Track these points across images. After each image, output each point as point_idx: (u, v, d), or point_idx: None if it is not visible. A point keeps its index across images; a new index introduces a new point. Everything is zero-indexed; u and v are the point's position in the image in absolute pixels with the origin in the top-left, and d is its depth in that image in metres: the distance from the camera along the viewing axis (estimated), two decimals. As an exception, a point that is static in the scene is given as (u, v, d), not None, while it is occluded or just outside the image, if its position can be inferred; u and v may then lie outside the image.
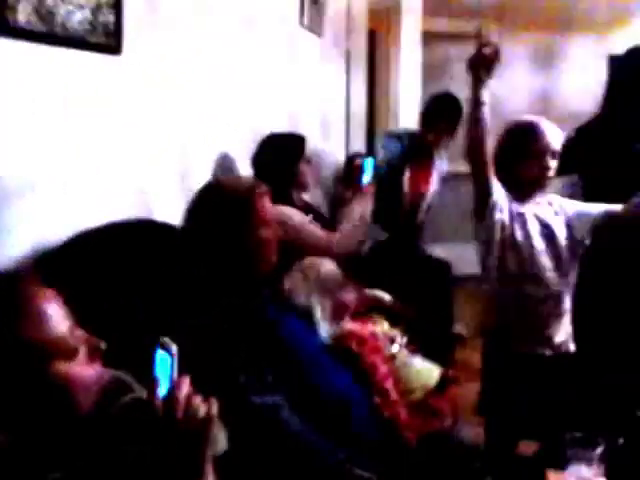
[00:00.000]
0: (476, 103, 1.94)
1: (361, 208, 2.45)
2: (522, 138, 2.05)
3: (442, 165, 3.64)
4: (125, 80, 1.85)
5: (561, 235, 2.04)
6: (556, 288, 2.04)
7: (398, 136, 3.60)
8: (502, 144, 2.10)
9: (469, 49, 5.70)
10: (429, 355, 2.13)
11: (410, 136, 3.55)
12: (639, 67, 2.40)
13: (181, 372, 0.94)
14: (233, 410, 1.18)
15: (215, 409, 0.93)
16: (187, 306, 1.55)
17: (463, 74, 5.70)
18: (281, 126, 2.96)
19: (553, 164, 2.03)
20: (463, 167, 5.24)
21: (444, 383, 2.03)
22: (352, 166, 3.00)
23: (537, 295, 2.04)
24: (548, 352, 2.05)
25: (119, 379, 1.07)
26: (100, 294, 1.46)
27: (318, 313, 2.00)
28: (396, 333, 2.11)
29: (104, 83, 1.76)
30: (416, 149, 3.42)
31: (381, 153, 3.51)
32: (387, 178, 3.23)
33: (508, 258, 2.02)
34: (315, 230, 2.43)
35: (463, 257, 4.70)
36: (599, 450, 1.37)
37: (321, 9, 3.60)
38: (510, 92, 5.10)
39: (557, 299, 2.05)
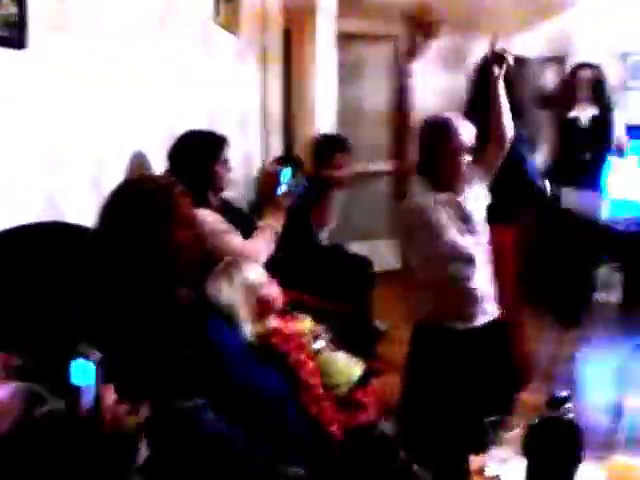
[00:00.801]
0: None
1: (274, 221, 2.40)
2: (437, 137, 2.14)
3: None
4: (31, 76, 1.76)
5: (481, 220, 2.18)
6: (477, 267, 2.16)
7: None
8: (420, 141, 2.18)
9: (383, 50, 5.81)
10: (352, 350, 2.16)
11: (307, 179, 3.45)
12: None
13: (106, 379, 0.91)
14: (156, 414, 1.15)
15: (143, 417, 0.90)
16: (106, 310, 1.50)
17: (377, 74, 5.82)
18: (199, 125, 2.92)
19: (468, 159, 2.13)
20: (379, 166, 5.43)
21: (367, 377, 2.07)
22: (268, 174, 2.92)
23: (465, 274, 2.14)
24: (467, 325, 2.16)
25: (31, 391, 1.02)
26: (13, 299, 1.39)
27: (242, 312, 1.99)
28: (320, 329, 2.13)
29: (7, 79, 1.67)
30: (315, 189, 3.38)
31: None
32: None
33: (433, 243, 2.11)
34: (228, 238, 2.36)
35: (380, 254, 4.83)
36: (516, 431, 1.44)
37: (236, 7, 3.57)
38: (423, 90, 5.26)
39: (478, 276, 2.17)
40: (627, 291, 4.18)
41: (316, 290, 2.77)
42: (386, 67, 5.32)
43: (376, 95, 5.33)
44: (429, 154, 2.15)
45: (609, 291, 4.08)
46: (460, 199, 2.18)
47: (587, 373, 3.48)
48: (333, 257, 3.60)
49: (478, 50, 5.10)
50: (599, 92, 3.83)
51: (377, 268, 3.86)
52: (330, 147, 3.68)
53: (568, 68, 3.88)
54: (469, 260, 2.12)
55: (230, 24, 3.53)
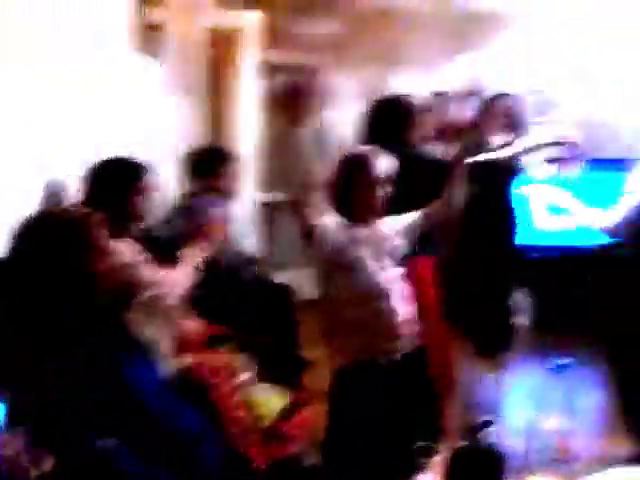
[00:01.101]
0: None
1: (196, 252, 2.36)
2: (354, 170, 2.15)
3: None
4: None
5: (395, 250, 2.18)
6: (392, 300, 2.14)
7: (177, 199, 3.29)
8: (338, 174, 2.18)
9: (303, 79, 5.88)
10: (278, 381, 2.13)
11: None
12: (387, 114, 2.65)
13: (14, 424, 0.85)
14: (70, 456, 1.09)
15: (48, 466, 0.85)
16: (16, 347, 1.42)
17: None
18: (120, 153, 2.85)
19: (384, 191, 2.15)
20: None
21: (294, 408, 2.05)
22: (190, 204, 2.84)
23: (385, 309, 2.11)
24: (387, 359, 2.13)
25: None
26: None
27: (162, 346, 1.94)
28: (243, 362, 2.10)
29: None
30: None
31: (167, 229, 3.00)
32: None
33: (347, 280, 2.10)
34: (147, 270, 2.28)
35: (305, 282, 4.83)
36: (440, 457, 1.46)
37: (160, 33, 3.54)
38: (344, 122, 5.36)
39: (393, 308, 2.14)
40: (538, 315, 4.38)
41: (238, 322, 2.72)
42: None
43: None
44: (346, 186, 2.14)
45: (522, 315, 4.24)
46: (376, 232, 2.18)
47: (505, 397, 3.60)
48: (255, 287, 3.56)
49: (398, 84, 5.31)
50: (516, 122, 3.98)
51: (301, 297, 3.86)
52: (213, 157, 3.35)
53: (484, 101, 4.04)
54: (388, 295, 2.11)
55: (154, 52, 3.49)
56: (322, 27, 5.20)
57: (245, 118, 4.22)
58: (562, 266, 4.60)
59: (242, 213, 4.15)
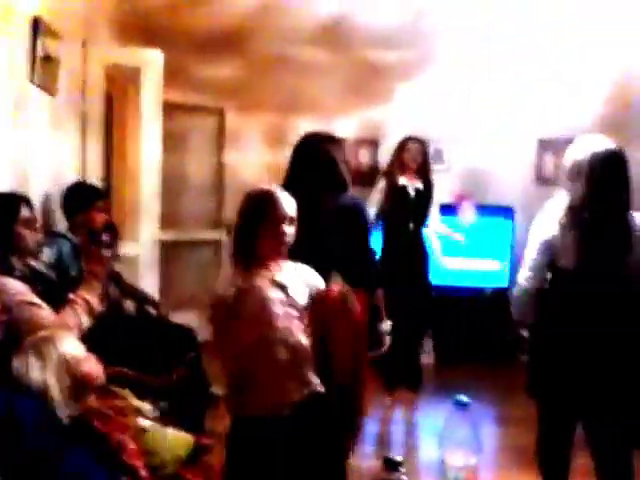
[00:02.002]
0: None
1: (87, 293, 2.28)
2: (260, 206, 2.06)
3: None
4: None
5: (299, 297, 2.06)
6: (294, 351, 2.02)
7: (62, 235, 3.18)
8: (242, 214, 2.09)
9: (208, 121, 5.87)
10: (183, 425, 2.04)
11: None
12: (310, 152, 2.66)
13: None
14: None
15: None
16: None
17: (201, 145, 5.84)
18: (4, 186, 2.69)
19: (290, 230, 2.06)
20: (203, 235, 5.38)
21: (197, 453, 1.96)
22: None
23: (286, 357, 2.01)
24: (285, 412, 2.01)
25: None
26: None
27: (56, 392, 1.80)
28: (144, 405, 1.99)
29: None
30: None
31: (48, 253, 2.93)
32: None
33: (239, 328, 2.00)
34: (35, 310, 2.15)
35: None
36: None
37: (54, 66, 3.41)
38: (246, 165, 5.38)
39: (294, 359, 2.03)
40: (438, 353, 4.53)
41: (140, 364, 2.61)
42: (210, 138, 5.39)
43: (200, 165, 5.35)
44: (251, 223, 2.03)
45: (427, 354, 4.37)
46: (277, 277, 2.05)
47: (415, 434, 3.66)
48: (157, 328, 3.44)
49: (298, 129, 5.43)
50: (425, 166, 4.14)
51: (204, 337, 3.77)
52: (87, 194, 3.30)
53: (396, 146, 4.13)
54: (287, 344, 1.99)
55: (47, 84, 3.35)
56: (224, 69, 5.25)
57: (146, 156, 4.12)
58: (459, 305, 4.81)
59: (142, 252, 4.03)
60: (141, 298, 3.64)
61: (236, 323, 1.98)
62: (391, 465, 1.45)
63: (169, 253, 4.65)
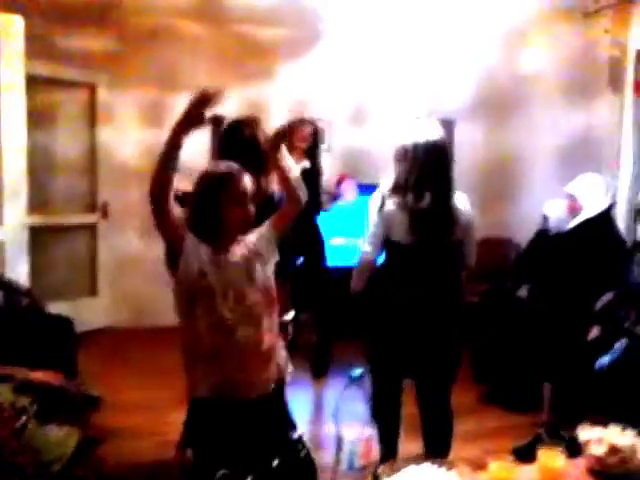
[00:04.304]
0: (175, 146, 1.84)
1: None
2: (224, 185, 1.97)
3: None
4: None
5: (261, 273, 2.01)
6: (257, 328, 1.98)
7: None
8: (200, 193, 1.98)
9: (76, 96, 5.49)
10: (65, 421, 1.90)
11: None
12: (238, 136, 2.64)
13: None
14: None
15: None
16: None
17: (72, 122, 5.47)
18: None
19: (252, 207, 2.02)
20: (77, 219, 5.06)
21: (85, 448, 1.84)
22: None
23: (250, 336, 1.95)
24: (249, 394, 1.95)
25: None
26: None
27: None
28: (24, 402, 1.83)
29: None
30: None
31: None
32: None
33: (214, 306, 1.92)
34: None
35: (82, 313, 4.46)
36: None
37: None
38: (121, 144, 5.11)
39: (257, 338, 1.98)
40: (320, 332, 4.57)
41: (14, 357, 2.40)
42: (81, 115, 5.04)
43: (71, 144, 4.99)
44: (214, 203, 1.95)
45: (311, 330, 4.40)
46: (243, 252, 2.01)
47: (308, 409, 3.68)
48: (30, 320, 3.19)
49: (176, 105, 5.22)
50: (314, 145, 4.12)
51: (80, 328, 3.55)
52: None
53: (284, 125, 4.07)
54: (254, 322, 1.94)
55: None
56: (94, 42, 4.92)
57: (8, 133, 3.77)
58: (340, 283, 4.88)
59: (8, 238, 3.70)
60: (9, 287, 3.37)
61: (203, 301, 1.91)
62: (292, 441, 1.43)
63: (39, 239, 4.31)
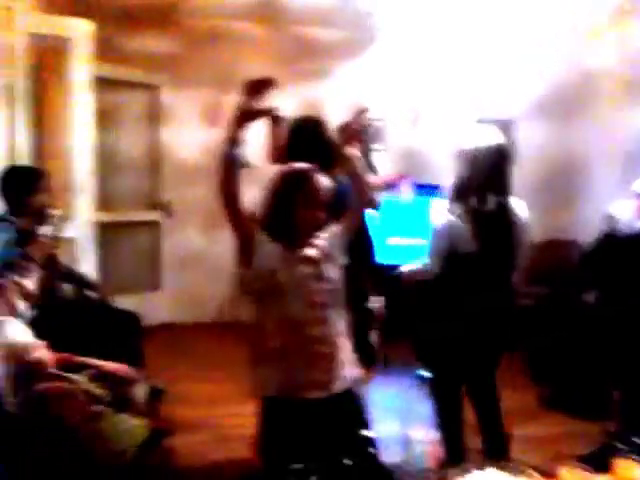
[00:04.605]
0: (234, 143, 1.85)
1: (20, 278, 2.21)
2: (301, 185, 1.96)
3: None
4: None
5: (333, 272, 2.01)
6: (328, 327, 1.96)
7: (4, 219, 2.97)
8: (276, 192, 1.99)
9: (139, 96, 5.64)
10: (135, 411, 1.96)
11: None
12: (314, 135, 2.65)
13: None
14: None
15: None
16: None
17: (135, 122, 5.62)
18: None
19: (325, 208, 2.01)
20: (140, 216, 5.20)
21: (156, 439, 1.89)
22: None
23: (320, 335, 1.94)
24: (318, 394, 1.93)
25: None
26: None
27: (2, 382, 1.69)
28: (100, 391, 1.90)
29: None
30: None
31: None
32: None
33: (284, 304, 1.91)
34: None
35: (149, 306, 4.58)
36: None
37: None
38: (183, 143, 5.22)
39: (328, 337, 1.96)
40: (388, 329, 4.56)
41: (85, 349, 2.49)
42: (144, 115, 5.18)
43: (135, 143, 5.14)
44: (284, 204, 1.95)
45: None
46: (312, 254, 1.98)
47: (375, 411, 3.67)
48: (99, 313, 3.30)
49: (233, 105, 5.29)
50: (367, 142, 4.12)
51: (144, 322, 3.65)
52: (29, 177, 3.14)
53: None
54: (323, 321, 1.92)
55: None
56: (158, 44, 5.05)
57: (78, 133, 3.91)
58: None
59: (78, 234, 3.84)
60: (80, 282, 3.49)
61: (274, 300, 1.91)
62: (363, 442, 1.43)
63: (106, 235, 4.46)
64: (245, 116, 1.88)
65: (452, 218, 2.43)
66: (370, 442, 1.50)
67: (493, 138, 2.50)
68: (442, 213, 2.47)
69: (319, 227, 1.98)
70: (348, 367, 2.00)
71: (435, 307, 2.56)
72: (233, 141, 1.85)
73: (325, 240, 2.02)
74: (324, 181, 1.98)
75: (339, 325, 1.97)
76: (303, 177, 1.95)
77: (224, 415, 3.30)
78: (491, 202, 2.43)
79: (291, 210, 1.93)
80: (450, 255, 2.49)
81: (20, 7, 3.83)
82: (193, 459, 2.68)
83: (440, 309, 2.53)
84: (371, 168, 4.20)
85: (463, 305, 2.45)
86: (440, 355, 2.54)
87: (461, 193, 2.45)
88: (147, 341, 3.59)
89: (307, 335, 1.89)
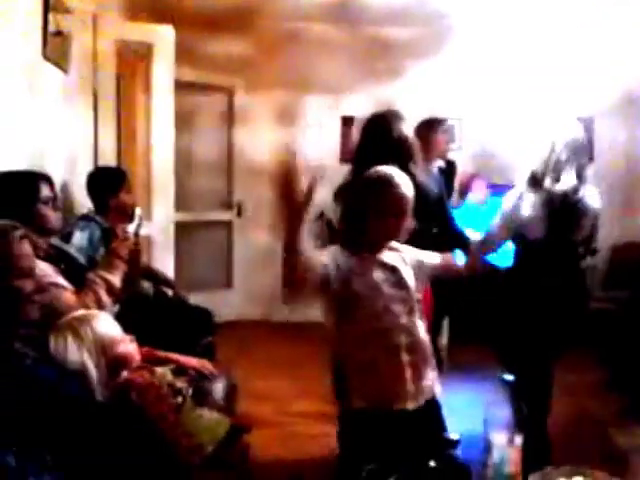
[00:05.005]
0: (290, 250, 1.72)
1: (107, 273, 2.28)
2: (382, 192, 1.89)
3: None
4: None
5: (409, 280, 1.95)
6: (411, 335, 1.91)
7: (93, 219, 3.11)
8: (357, 199, 1.93)
9: (216, 100, 5.77)
10: (214, 406, 2.01)
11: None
12: (382, 131, 2.62)
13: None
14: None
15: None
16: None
17: (210, 124, 5.74)
18: (20, 164, 2.63)
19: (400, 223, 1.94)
20: (215, 216, 5.32)
21: (235, 435, 1.93)
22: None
23: (406, 343, 1.89)
24: (406, 405, 1.87)
25: None
26: None
27: (93, 373, 1.77)
28: (181, 384, 1.96)
29: None
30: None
31: (79, 237, 2.93)
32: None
33: (354, 315, 1.86)
34: (58, 291, 2.12)
35: (221, 304, 4.69)
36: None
37: (66, 42, 3.32)
38: (255, 145, 5.31)
39: (413, 345, 1.90)
40: (452, 334, 4.48)
41: (162, 344, 2.57)
42: (219, 117, 5.31)
43: (210, 145, 5.28)
44: (365, 212, 1.88)
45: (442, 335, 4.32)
46: (385, 259, 1.93)
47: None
48: (175, 310, 3.40)
49: (308, 107, 5.36)
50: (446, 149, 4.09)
51: (217, 319, 3.74)
52: (114, 178, 3.28)
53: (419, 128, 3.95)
54: (403, 328, 1.87)
55: (59, 60, 3.27)
56: (233, 47, 5.16)
57: (158, 135, 4.05)
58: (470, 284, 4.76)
59: (157, 233, 3.97)
60: (158, 279, 3.61)
61: (350, 308, 1.85)
62: (446, 444, 1.42)
63: (181, 234, 4.59)
64: (295, 215, 1.73)
65: (523, 203, 2.51)
66: (453, 444, 1.48)
67: (572, 128, 2.58)
68: (513, 199, 2.55)
69: (403, 234, 1.92)
70: (432, 375, 1.94)
71: (509, 302, 2.60)
72: (292, 251, 1.73)
73: (410, 255, 1.97)
74: (406, 186, 1.90)
75: (422, 333, 1.92)
76: (386, 184, 1.89)
77: (286, 412, 3.33)
78: (565, 184, 2.48)
79: (369, 218, 1.87)
80: (518, 241, 2.56)
81: (106, 14, 4.01)
82: (267, 456, 2.72)
83: (514, 302, 2.56)
84: (453, 167, 4.14)
85: (534, 291, 2.50)
86: (522, 353, 2.53)
87: (537, 179, 2.52)
88: (219, 337, 3.67)
89: (394, 344, 1.84)
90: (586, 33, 4.97)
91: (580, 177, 2.53)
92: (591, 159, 2.74)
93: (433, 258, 2.04)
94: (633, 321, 3.81)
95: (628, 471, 2.52)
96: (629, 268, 4.39)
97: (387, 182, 1.89)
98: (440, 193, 2.77)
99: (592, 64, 5.02)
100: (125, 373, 1.86)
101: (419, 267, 1.97)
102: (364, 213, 1.88)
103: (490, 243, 2.62)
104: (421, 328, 1.93)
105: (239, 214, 5.29)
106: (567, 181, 2.49)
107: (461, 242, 2.71)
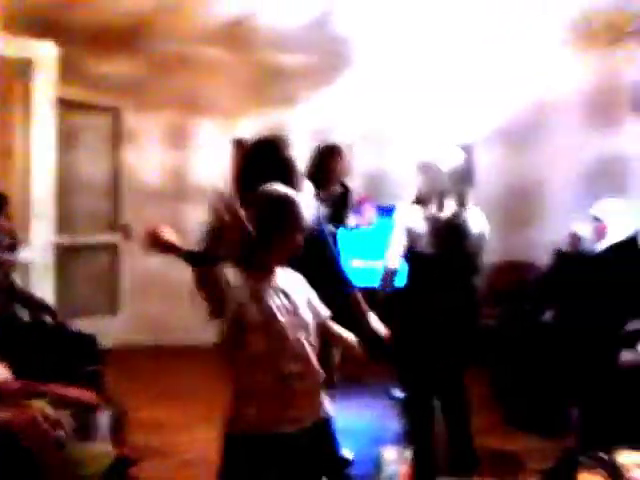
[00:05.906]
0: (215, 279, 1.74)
1: None
2: (282, 214, 1.89)
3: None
4: None
5: (302, 305, 1.93)
6: (302, 362, 1.87)
7: None
8: (262, 216, 1.89)
9: (103, 119, 5.57)
10: (99, 438, 1.91)
11: None
12: (268, 155, 2.63)
13: None
14: None
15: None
16: None
17: (96, 144, 5.54)
18: None
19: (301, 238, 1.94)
20: (99, 238, 5.11)
21: (121, 466, 1.84)
22: None
23: (296, 372, 1.85)
24: (292, 429, 1.84)
25: None
26: None
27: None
28: (61, 416, 1.84)
29: None
30: None
31: None
32: None
33: (251, 340, 1.82)
34: None
35: (107, 330, 4.48)
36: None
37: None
38: (145, 166, 5.18)
39: (303, 373, 1.87)
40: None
41: (42, 374, 2.42)
42: (106, 137, 5.13)
43: (96, 165, 5.08)
44: (276, 228, 1.87)
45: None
46: (280, 283, 1.92)
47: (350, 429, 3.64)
48: (55, 337, 3.22)
49: (199, 129, 5.31)
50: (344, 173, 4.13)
51: (103, 346, 3.57)
52: None
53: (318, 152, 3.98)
54: (296, 355, 1.84)
55: None
56: (120, 67, 5.02)
57: (38, 155, 3.85)
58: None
59: (36, 257, 3.75)
60: (36, 305, 3.40)
61: (244, 333, 1.80)
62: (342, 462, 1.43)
63: (63, 257, 4.37)
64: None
65: (413, 220, 2.70)
66: (345, 463, 1.49)
67: (454, 156, 2.76)
68: (405, 215, 2.73)
69: (294, 253, 1.92)
70: (322, 397, 1.93)
71: (403, 317, 2.73)
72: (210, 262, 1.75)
73: (302, 286, 1.97)
74: (303, 204, 1.93)
75: (314, 359, 1.90)
76: (287, 202, 1.90)
77: (187, 441, 3.24)
78: (448, 210, 2.68)
79: (274, 234, 1.87)
80: (410, 254, 2.71)
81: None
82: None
83: (407, 316, 2.71)
84: (348, 191, 4.22)
85: (425, 305, 2.67)
86: (411, 367, 2.66)
87: (422, 200, 2.72)
88: (107, 365, 3.50)
89: (282, 372, 1.82)
90: (468, 62, 5.29)
91: (462, 203, 2.71)
92: (472, 184, 2.91)
93: (322, 308, 2.02)
94: (513, 335, 4.05)
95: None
96: (508, 286, 4.68)
97: (289, 199, 1.91)
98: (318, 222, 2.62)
99: (473, 95, 5.35)
100: (2, 405, 1.72)
101: (312, 309, 1.96)
102: (269, 230, 1.87)
103: (391, 275, 2.76)
104: (312, 355, 1.90)
105: (126, 237, 5.11)
106: (449, 207, 2.69)
107: (338, 284, 2.63)
